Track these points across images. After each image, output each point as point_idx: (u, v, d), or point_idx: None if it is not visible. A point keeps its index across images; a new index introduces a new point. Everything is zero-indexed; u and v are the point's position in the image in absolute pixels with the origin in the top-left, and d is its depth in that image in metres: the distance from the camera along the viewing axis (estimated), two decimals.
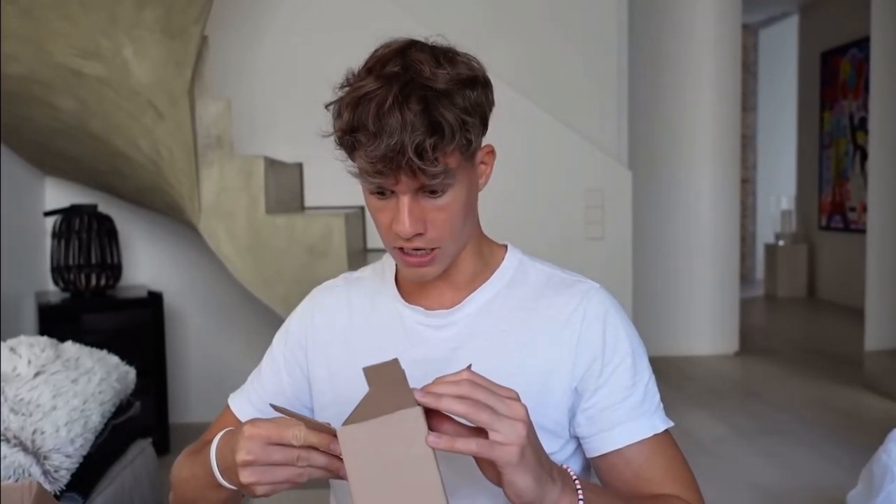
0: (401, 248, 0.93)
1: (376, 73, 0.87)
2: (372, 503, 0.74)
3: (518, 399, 0.78)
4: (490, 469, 0.78)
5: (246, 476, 0.81)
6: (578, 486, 0.83)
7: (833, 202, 6.91)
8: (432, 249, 0.93)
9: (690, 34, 4.81)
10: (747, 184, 8.38)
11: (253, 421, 0.84)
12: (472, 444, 0.74)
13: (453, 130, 0.86)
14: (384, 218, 0.92)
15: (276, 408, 0.84)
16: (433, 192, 0.89)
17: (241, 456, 0.81)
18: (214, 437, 0.93)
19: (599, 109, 3.69)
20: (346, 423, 0.75)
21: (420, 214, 0.90)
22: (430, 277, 0.96)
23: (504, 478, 0.76)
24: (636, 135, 4.39)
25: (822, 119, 7.02)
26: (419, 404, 0.75)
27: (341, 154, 0.92)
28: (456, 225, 0.93)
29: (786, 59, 8.15)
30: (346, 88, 0.89)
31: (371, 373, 0.79)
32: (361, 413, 0.76)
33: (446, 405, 0.75)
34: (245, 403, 1.09)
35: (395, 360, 0.79)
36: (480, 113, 0.90)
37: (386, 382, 0.78)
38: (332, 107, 0.91)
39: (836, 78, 6.81)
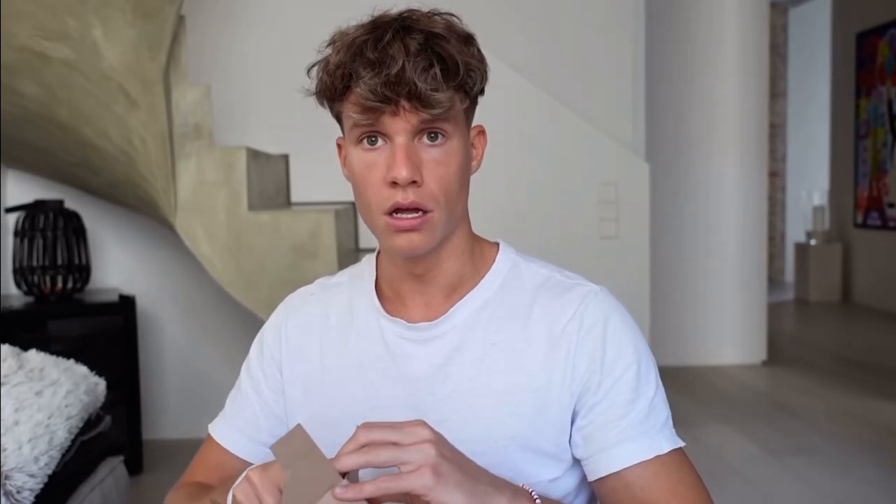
0: (391, 214, 0.91)
1: (370, 25, 0.90)
2: None
3: (422, 424, 0.80)
4: None
5: None
6: (536, 497, 0.85)
7: (870, 197, 6.91)
8: (425, 213, 0.91)
9: (713, 14, 4.81)
10: (776, 177, 8.39)
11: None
12: (378, 483, 0.77)
13: (458, 66, 0.88)
14: (376, 174, 0.91)
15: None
16: (433, 137, 0.90)
17: None
18: (204, 477, 0.94)
19: (614, 96, 3.70)
20: None
21: (417, 161, 0.90)
22: (420, 251, 0.93)
23: (432, 503, 0.77)
24: (654, 124, 4.39)
25: (858, 106, 7.03)
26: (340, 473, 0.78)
27: (326, 102, 0.93)
28: (452, 186, 0.92)
29: (818, 40, 8.15)
30: (339, 42, 0.91)
31: (280, 450, 0.79)
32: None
33: (346, 463, 0.78)
34: (232, 432, 1.07)
35: (299, 427, 0.80)
36: (480, 68, 0.92)
37: (300, 457, 0.79)
38: (314, 68, 0.92)
39: (873, 61, 6.82)
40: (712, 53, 4.84)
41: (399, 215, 0.91)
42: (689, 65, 4.85)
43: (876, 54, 6.78)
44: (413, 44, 0.86)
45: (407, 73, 0.85)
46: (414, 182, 0.89)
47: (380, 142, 0.90)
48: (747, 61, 4.84)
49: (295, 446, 0.79)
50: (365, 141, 0.91)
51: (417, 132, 0.89)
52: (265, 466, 0.83)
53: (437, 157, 0.91)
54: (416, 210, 0.90)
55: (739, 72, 4.83)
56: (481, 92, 0.95)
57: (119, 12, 2.56)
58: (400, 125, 0.88)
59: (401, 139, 0.89)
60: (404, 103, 0.87)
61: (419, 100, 0.86)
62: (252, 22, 3.52)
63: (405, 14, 0.91)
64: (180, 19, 2.79)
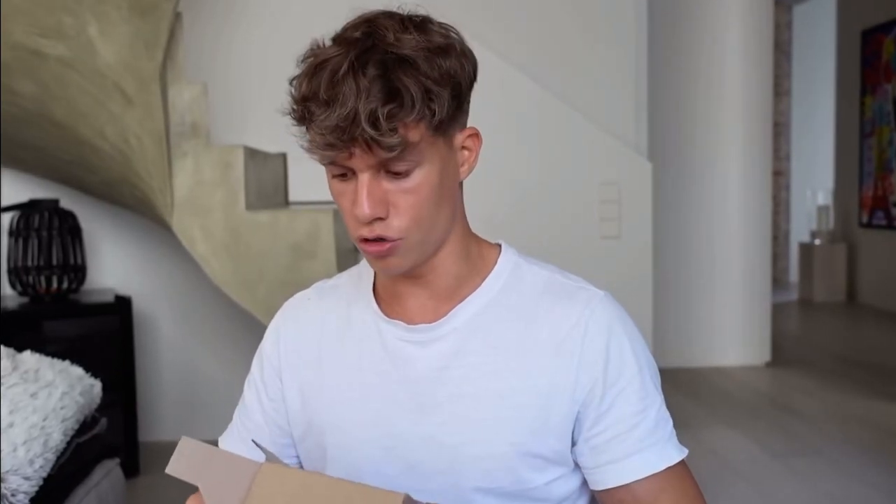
0: (364, 238, 0.91)
1: (339, 40, 0.88)
2: None
3: None
4: None
5: None
6: None
7: (875, 197, 6.91)
8: (396, 239, 0.91)
9: (717, 12, 4.81)
10: (780, 177, 8.39)
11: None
12: None
13: (413, 99, 0.84)
14: (345, 202, 0.91)
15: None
16: (397, 174, 0.88)
17: None
18: None
19: (616, 95, 3.69)
20: None
21: (381, 196, 0.89)
22: (397, 272, 0.94)
23: None
24: (657, 123, 4.39)
25: (863, 105, 7.02)
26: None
27: (297, 130, 0.91)
28: (424, 212, 0.90)
29: (823, 38, 8.15)
30: (310, 59, 0.89)
31: (178, 469, 0.78)
32: None
33: None
34: (238, 444, 1.07)
35: (184, 439, 0.79)
36: (452, 84, 0.88)
37: (203, 465, 0.77)
38: (294, 82, 0.91)
39: (878, 59, 6.81)
40: (716, 51, 4.84)
41: (370, 239, 0.91)
42: (692, 63, 4.85)
43: (881, 52, 6.77)
44: (365, 81, 0.83)
45: (357, 117, 0.83)
46: (379, 217, 0.89)
47: (349, 175, 0.90)
48: (751, 59, 4.83)
49: (191, 458, 0.78)
50: (333, 169, 0.91)
51: (380, 166, 0.88)
52: (197, 494, 0.85)
53: (405, 187, 0.89)
54: (385, 239, 0.91)
55: (743, 70, 4.83)
56: (467, 93, 0.93)
57: (115, 9, 2.56)
58: (358, 163, 0.87)
59: (364, 176, 0.88)
60: (356, 145, 0.85)
61: (371, 143, 0.84)
62: (250, 19, 3.51)
63: (374, 29, 0.87)
64: (177, 16, 2.79)
